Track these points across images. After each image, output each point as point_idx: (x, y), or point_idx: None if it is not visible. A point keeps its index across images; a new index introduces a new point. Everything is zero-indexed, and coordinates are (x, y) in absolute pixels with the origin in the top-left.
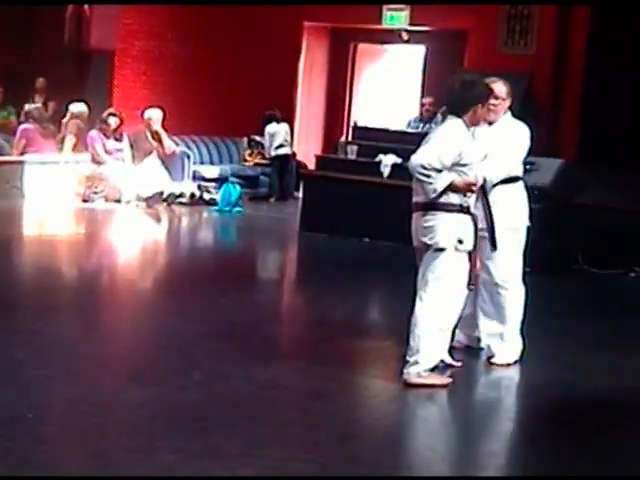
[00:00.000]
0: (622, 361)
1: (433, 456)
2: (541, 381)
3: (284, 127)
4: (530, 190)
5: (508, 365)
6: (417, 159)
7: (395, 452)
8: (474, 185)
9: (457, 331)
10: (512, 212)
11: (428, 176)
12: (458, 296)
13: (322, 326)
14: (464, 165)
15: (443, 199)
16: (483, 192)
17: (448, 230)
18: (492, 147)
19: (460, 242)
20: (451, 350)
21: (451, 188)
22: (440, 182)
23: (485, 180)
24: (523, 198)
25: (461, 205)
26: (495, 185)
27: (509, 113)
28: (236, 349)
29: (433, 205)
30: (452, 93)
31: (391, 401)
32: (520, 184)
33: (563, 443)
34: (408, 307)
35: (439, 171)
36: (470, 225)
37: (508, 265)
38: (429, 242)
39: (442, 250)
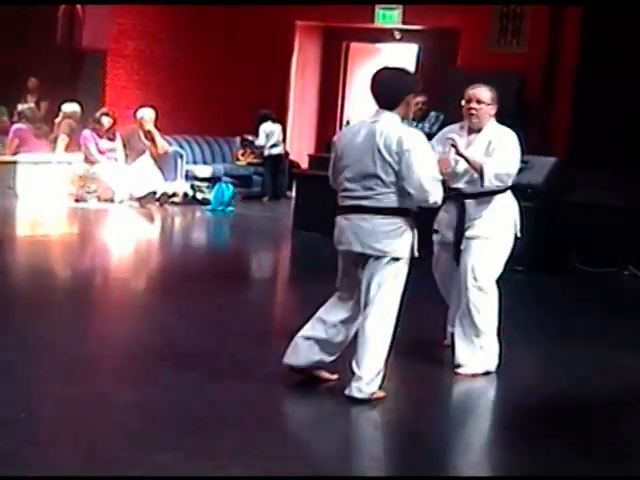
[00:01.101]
0: (615, 358)
1: (419, 455)
2: (534, 380)
3: (278, 127)
4: (522, 189)
5: (474, 376)
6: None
7: (383, 454)
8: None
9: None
10: (501, 222)
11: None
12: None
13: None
14: None
15: (393, 203)
16: (461, 203)
17: (405, 238)
18: (483, 154)
19: (412, 250)
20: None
21: None
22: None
23: (463, 194)
24: (512, 207)
25: (412, 210)
26: (483, 196)
27: (494, 120)
28: (229, 349)
29: (391, 210)
30: (381, 85)
31: (387, 404)
32: (509, 193)
33: (554, 441)
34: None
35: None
36: (415, 231)
37: (489, 272)
38: (387, 249)
39: (398, 259)
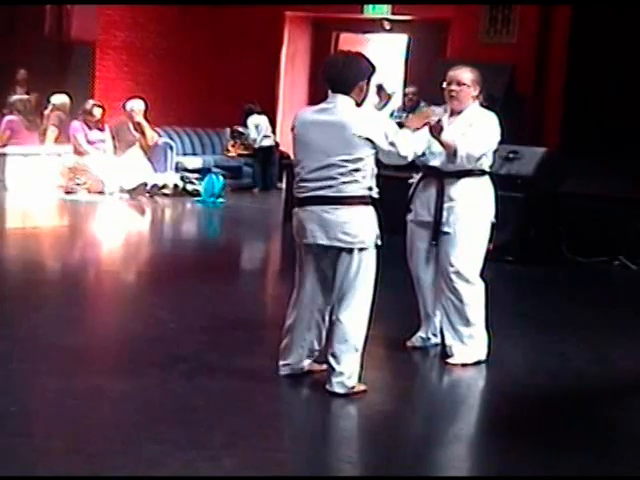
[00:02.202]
0: (607, 348)
1: (408, 445)
2: (524, 370)
3: (264, 119)
4: (513, 179)
5: (464, 365)
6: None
7: (378, 444)
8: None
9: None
10: (477, 207)
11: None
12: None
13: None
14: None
15: (356, 191)
16: (439, 183)
17: (368, 226)
18: (465, 131)
19: (377, 237)
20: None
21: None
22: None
23: (442, 172)
24: (489, 193)
25: (371, 196)
26: (461, 177)
27: (477, 103)
28: (220, 341)
29: (348, 199)
30: (334, 70)
31: (381, 392)
32: (486, 178)
33: (543, 430)
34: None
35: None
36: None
37: (472, 261)
38: (353, 240)
39: (364, 249)
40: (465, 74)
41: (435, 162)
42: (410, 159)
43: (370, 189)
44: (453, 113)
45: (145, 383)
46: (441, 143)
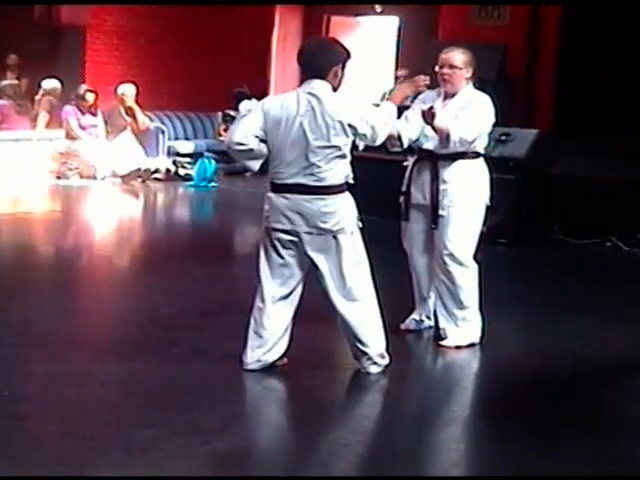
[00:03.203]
0: (600, 328)
1: (402, 429)
2: (517, 351)
3: (255, 103)
4: (505, 161)
5: (458, 347)
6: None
7: (375, 429)
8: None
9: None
10: (471, 190)
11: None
12: None
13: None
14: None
15: (334, 181)
16: (434, 166)
17: (349, 212)
18: (450, 119)
19: (359, 220)
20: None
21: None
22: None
23: (436, 155)
24: (484, 175)
25: (347, 182)
26: (455, 159)
27: (470, 85)
28: (214, 325)
29: (329, 188)
30: (309, 55)
31: (375, 374)
32: (481, 161)
33: (545, 413)
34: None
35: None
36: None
37: (465, 244)
38: (334, 228)
39: (350, 234)
40: (457, 56)
41: (429, 145)
42: (381, 142)
43: (347, 176)
44: (447, 96)
45: (139, 367)
46: (434, 128)
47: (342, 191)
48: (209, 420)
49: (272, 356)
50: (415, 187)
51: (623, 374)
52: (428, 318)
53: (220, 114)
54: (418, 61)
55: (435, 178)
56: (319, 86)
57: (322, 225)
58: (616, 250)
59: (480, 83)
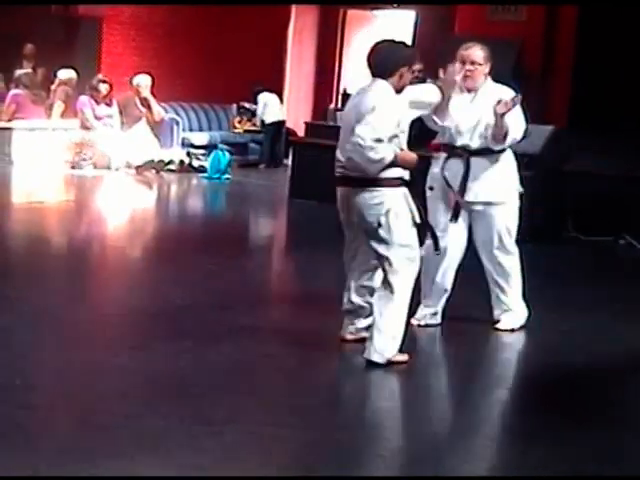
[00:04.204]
0: (613, 326)
1: (421, 423)
2: (536, 347)
3: (275, 97)
4: (520, 157)
5: (512, 330)
6: (359, 137)
7: (381, 420)
8: (415, 160)
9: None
10: (505, 182)
11: (372, 148)
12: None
13: (311, 293)
14: (400, 135)
15: (387, 174)
16: (466, 162)
17: (396, 214)
18: (481, 114)
19: (414, 215)
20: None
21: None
22: (386, 154)
23: (468, 151)
24: (513, 165)
25: (402, 178)
26: (487, 154)
27: (489, 79)
28: (225, 316)
29: (376, 181)
30: (377, 55)
31: (379, 370)
32: (509, 152)
33: (557, 410)
34: None
35: (380, 141)
36: (411, 198)
37: (510, 234)
38: (382, 222)
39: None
40: (478, 52)
41: (462, 141)
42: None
43: (400, 171)
44: (468, 91)
45: (149, 357)
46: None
47: (391, 185)
48: (218, 411)
49: None
50: (443, 183)
51: (636, 371)
52: (441, 311)
53: (235, 106)
54: (434, 55)
55: (467, 172)
56: (377, 86)
57: (369, 218)
58: (629, 248)
59: (496, 78)
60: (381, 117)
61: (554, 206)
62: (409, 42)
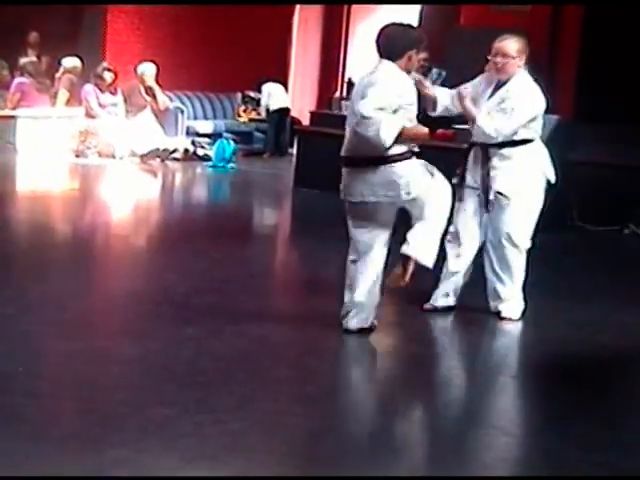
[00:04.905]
0: (618, 315)
1: (425, 411)
2: (540, 337)
3: (280, 87)
4: None
5: (511, 320)
6: (360, 109)
7: (386, 408)
8: (425, 134)
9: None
10: (524, 175)
11: (374, 118)
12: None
13: (315, 282)
14: (406, 107)
15: (394, 150)
16: (485, 152)
17: (415, 178)
18: (501, 104)
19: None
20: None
21: (400, 139)
22: (391, 123)
23: (486, 139)
24: (538, 159)
25: (411, 151)
26: (504, 146)
27: (522, 72)
28: (229, 305)
29: (387, 158)
30: (386, 37)
31: (384, 357)
32: (534, 145)
33: (561, 399)
34: None
35: (382, 109)
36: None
37: (521, 228)
38: (406, 197)
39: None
40: (510, 45)
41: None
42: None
43: (406, 146)
44: (499, 82)
45: (154, 346)
46: (462, 108)
47: (401, 160)
48: (223, 400)
49: None
50: (469, 171)
51: (639, 360)
52: (454, 294)
53: (240, 95)
54: (439, 45)
55: (486, 164)
56: (384, 67)
57: (390, 193)
58: (634, 237)
59: None
60: (382, 88)
61: (559, 196)
62: None
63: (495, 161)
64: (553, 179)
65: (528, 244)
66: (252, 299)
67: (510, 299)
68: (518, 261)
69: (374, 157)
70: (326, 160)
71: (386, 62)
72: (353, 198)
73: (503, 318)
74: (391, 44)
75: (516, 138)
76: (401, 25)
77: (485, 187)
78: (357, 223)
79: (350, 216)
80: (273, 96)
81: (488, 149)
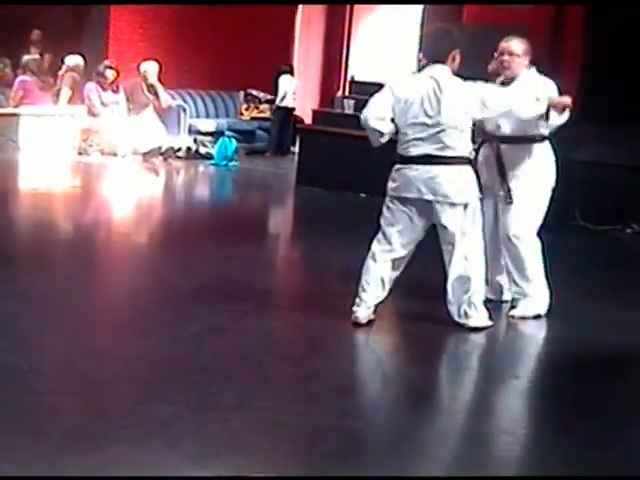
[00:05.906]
0: (620, 315)
1: (427, 411)
2: (540, 336)
3: (293, 81)
4: None
5: (523, 318)
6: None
7: (389, 407)
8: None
9: None
10: (533, 172)
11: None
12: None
13: (318, 280)
14: None
15: (462, 152)
16: (497, 148)
17: (472, 184)
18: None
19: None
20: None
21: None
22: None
23: (497, 137)
24: (547, 159)
25: (469, 158)
26: (516, 142)
27: (533, 69)
28: (232, 302)
29: (459, 159)
30: (430, 41)
31: (387, 356)
32: (544, 145)
33: (562, 399)
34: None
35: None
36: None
37: (528, 224)
38: (459, 200)
39: (467, 205)
40: (516, 45)
41: (490, 127)
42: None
43: (469, 151)
44: (504, 82)
45: (156, 344)
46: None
47: (465, 163)
48: (225, 397)
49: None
50: (483, 169)
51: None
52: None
53: (242, 93)
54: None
55: (499, 158)
56: (439, 70)
57: (448, 193)
58: (637, 237)
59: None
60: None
61: (562, 195)
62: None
63: (508, 156)
64: (554, 183)
65: (535, 238)
66: (254, 297)
67: (529, 293)
68: (529, 256)
69: (439, 156)
70: (328, 159)
71: (439, 66)
72: (409, 194)
73: (515, 316)
74: (435, 47)
75: (530, 134)
76: (440, 27)
77: (504, 178)
78: (397, 222)
79: (390, 214)
80: (289, 95)
81: (500, 145)
